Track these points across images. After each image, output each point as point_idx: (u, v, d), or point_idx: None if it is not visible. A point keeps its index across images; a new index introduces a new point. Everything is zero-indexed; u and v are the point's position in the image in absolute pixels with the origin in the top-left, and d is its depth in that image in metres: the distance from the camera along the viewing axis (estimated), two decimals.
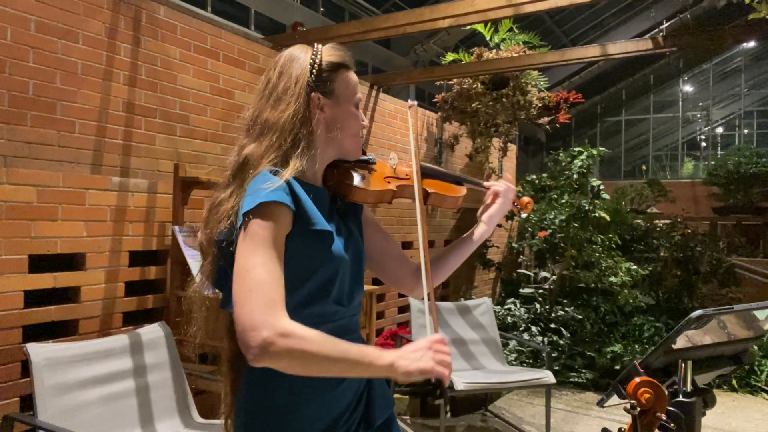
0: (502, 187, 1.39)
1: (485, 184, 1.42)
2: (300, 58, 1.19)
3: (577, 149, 5.46)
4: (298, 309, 1.08)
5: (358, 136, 1.22)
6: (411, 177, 1.28)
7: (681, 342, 1.39)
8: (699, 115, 17.46)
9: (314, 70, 1.17)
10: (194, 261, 2.86)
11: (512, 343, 4.80)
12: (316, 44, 1.22)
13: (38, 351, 2.14)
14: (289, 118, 1.13)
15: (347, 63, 1.21)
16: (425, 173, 1.35)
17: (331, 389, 1.14)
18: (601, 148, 5.46)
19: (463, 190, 1.39)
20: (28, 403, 2.35)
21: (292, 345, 0.96)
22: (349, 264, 1.17)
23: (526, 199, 1.43)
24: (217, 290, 1.15)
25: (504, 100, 5.11)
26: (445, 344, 1.08)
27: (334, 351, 0.99)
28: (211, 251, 1.12)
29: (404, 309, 4.82)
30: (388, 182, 1.27)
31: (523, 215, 1.46)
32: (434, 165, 1.46)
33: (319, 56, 1.18)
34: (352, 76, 1.22)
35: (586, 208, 5.25)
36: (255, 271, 1.00)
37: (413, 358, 1.04)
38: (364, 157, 1.29)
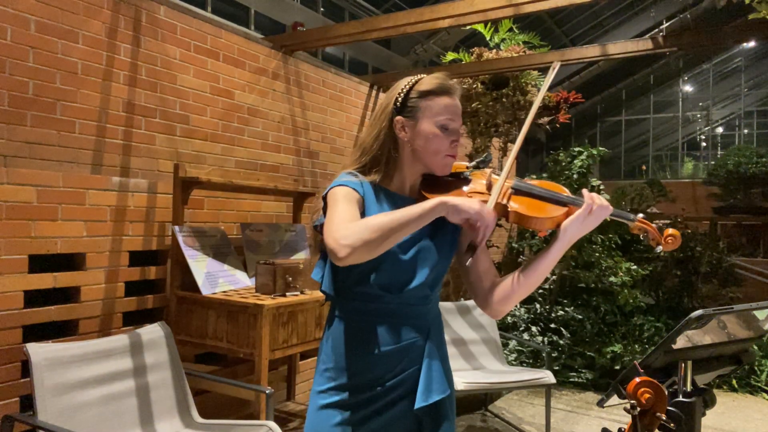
0: (601, 203, 1.28)
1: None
2: (396, 87, 1.37)
3: (577, 149, 5.43)
4: (351, 286, 1.30)
5: (438, 154, 1.33)
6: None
7: (681, 342, 1.39)
8: (699, 115, 17.46)
9: (400, 97, 1.34)
10: (194, 261, 2.86)
11: (512, 343, 4.80)
12: (419, 75, 1.38)
13: (38, 351, 2.14)
14: (373, 140, 1.35)
15: (437, 90, 1.33)
16: (518, 190, 1.31)
17: (364, 354, 1.29)
18: (601, 148, 5.42)
19: (559, 211, 1.28)
20: (28, 403, 2.35)
21: (356, 238, 1.14)
22: (404, 259, 1.30)
23: (670, 230, 1.26)
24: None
25: (504, 100, 5.10)
26: (493, 220, 1.20)
27: (389, 223, 1.16)
28: (315, 235, 1.36)
29: None
30: (470, 197, 1.29)
31: (666, 249, 1.28)
32: (542, 182, 1.37)
33: (409, 85, 1.35)
34: (441, 101, 1.33)
35: None
36: (334, 215, 1.22)
37: (464, 199, 1.20)
38: (462, 171, 1.39)
